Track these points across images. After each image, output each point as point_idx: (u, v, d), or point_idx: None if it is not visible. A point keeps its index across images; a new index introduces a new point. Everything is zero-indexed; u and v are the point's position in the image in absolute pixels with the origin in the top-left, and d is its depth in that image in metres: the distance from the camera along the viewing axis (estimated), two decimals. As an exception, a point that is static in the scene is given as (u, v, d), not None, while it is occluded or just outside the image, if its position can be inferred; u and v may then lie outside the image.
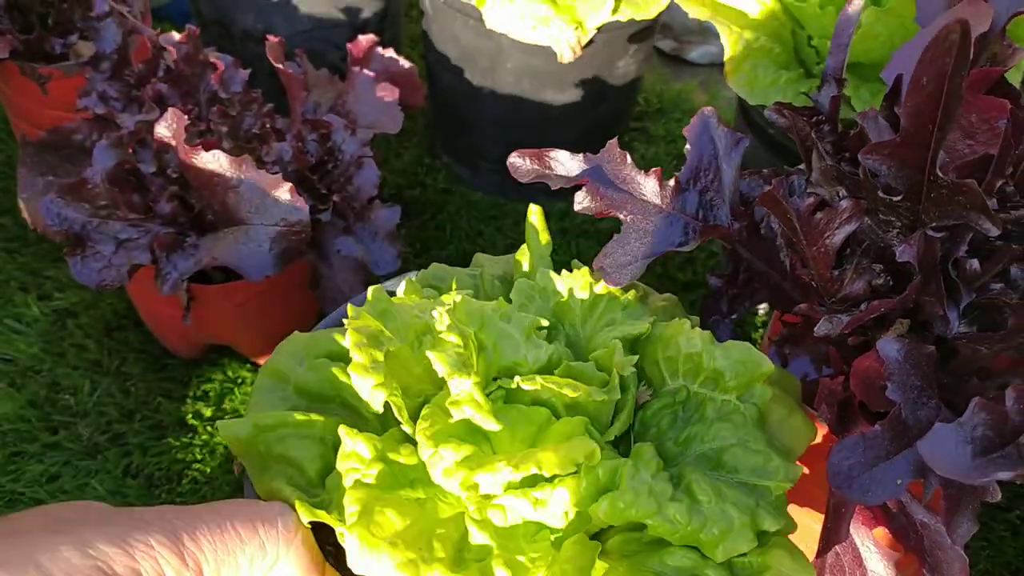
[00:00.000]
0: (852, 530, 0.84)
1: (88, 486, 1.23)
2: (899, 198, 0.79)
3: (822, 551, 0.81)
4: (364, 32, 1.67)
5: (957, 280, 0.83)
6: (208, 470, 1.27)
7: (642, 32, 1.51)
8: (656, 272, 1.53)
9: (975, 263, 0.83)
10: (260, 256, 1.05)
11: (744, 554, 0.69)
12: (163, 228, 1.15)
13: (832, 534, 0.79)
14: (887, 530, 0.84)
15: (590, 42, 1.43)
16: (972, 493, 0.78)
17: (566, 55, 1.39)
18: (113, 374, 1.36)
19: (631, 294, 0.86)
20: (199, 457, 1.28)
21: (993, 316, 0.86)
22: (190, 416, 1.32)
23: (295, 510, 0.66)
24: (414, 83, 1.47)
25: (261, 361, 1.38)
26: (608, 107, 1.59)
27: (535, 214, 0.94)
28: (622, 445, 0.78)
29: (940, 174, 0.75)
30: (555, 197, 1.70)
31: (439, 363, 0.68)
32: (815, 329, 0.87)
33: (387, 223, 1.20)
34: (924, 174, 0.77)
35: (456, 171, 1.72)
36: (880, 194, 0.80)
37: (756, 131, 1.43)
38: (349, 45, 1.38)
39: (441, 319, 0.74)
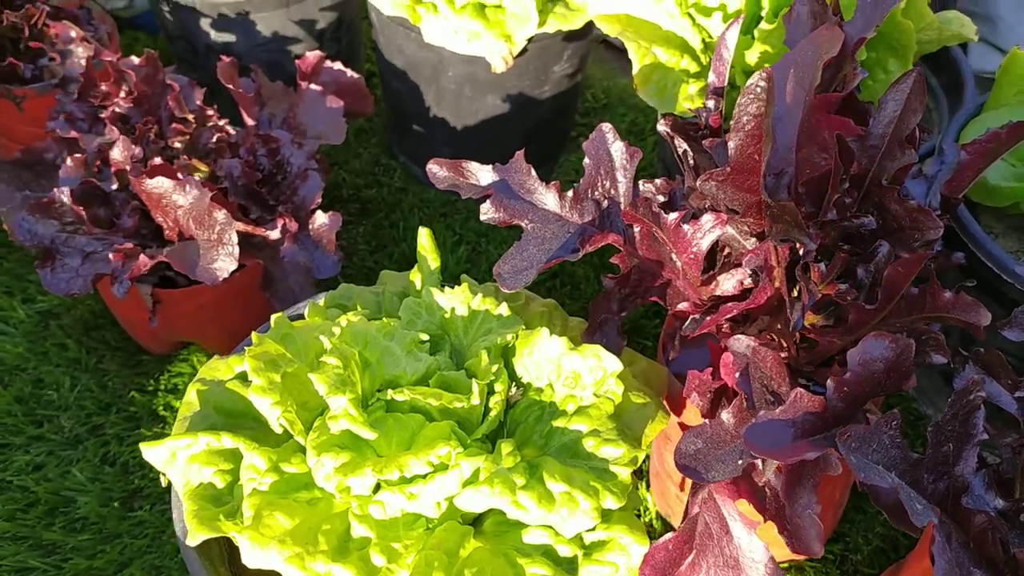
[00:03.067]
0: (719, 501, 0.96)
1: (69, 474, 1.36)
2: (741, 216, 0.90)
3: (684, 518, 0.93)
4: (321, 41, 1.79)
5: (805, 281, 0.95)
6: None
7: (577, 35, 1.61)
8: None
9: (822, 266, 0.94)
10: (207, 265, 1.17)
11: (591, 528, 0.81)
12: (126, 240, 1.28)
13: (690, 506, 0.91)
14: (749, 502, 0.96)
15: (524, 51, 1.53)
16: (811, 468, 0.90)
17: (499, 66, 1.49)
18: (92, 370, 1.49)
19: (505, 307, 0.98)
20: (170, 445, 1.41)
21: (843, 310, 0.97)
22: (161, 408, 1.45)
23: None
24: (361, 92, 1.58)
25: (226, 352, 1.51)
26: (549, 107, 1.70)
27: (425, 236, 1.06)
28: (498, 439, 0.90)
29: (766, 198, 0.86)
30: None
31: (319, 383, 0.81)
32: (682, 329, 0.99)
33: (329, 231, 1.32)
34: (757, 196, 0.88)
35: (411, 170, 1.83)
36: (727, 211, 0.92)
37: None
38: (298, 61, 1.49)
39: (327, 342, 0.86)
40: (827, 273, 0.94)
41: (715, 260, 1.04)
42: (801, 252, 0.92)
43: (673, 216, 0.96)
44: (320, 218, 1.32)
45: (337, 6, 1.75)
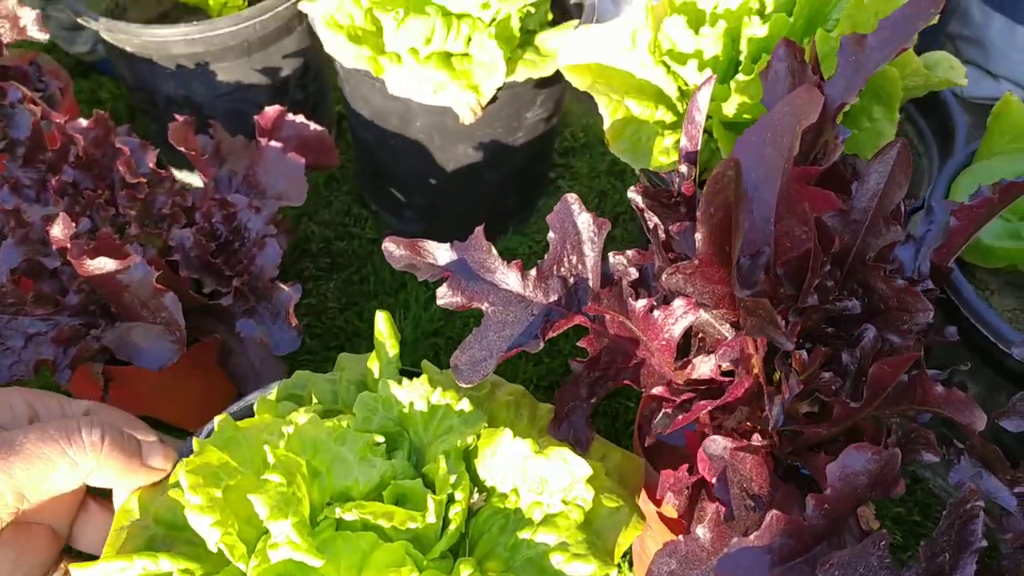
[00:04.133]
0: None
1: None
2: (713, 307, 0.83)
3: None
4: (287, 89, 1.72)
5: (785, 372, 0.87)
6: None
7: (550, 80, 1.54)
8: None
9: (804, 354, 0.87)
10: (152, 351, 1.10)
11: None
12: (72, 320, 1.21)
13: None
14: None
15: (494, 99, 1.46)
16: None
17: (467, 117, 1.42)
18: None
19: (466, 402, 0.91)
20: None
21: (829, 401, 0.90)
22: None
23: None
24: (326, 146, 1.51)
25: (192, 427, 1.44)
26: (524, 154, 1.63)
27: (383, 321, 0.99)
28: (459, 553, 0.83)
29: (740, 293, 0.79)
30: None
31: (260, 506, 0.74)
32: (653, 425, 0.92)
33: (287, 303, 1.25)
34: (729, 288, 0.81)
35: (384, 219, 1.76)
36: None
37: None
38: (256, 117, 1.42)
39: (271, 455, 0.79)
40: (809, 363, 0.87)
41: (691, 343, 0.97)
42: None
43: (642, 304, 0.89)
44: (278, 290, 1.25)
45: (302, 52, 1.69)
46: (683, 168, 1.01)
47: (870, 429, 0.96)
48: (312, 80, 1.76)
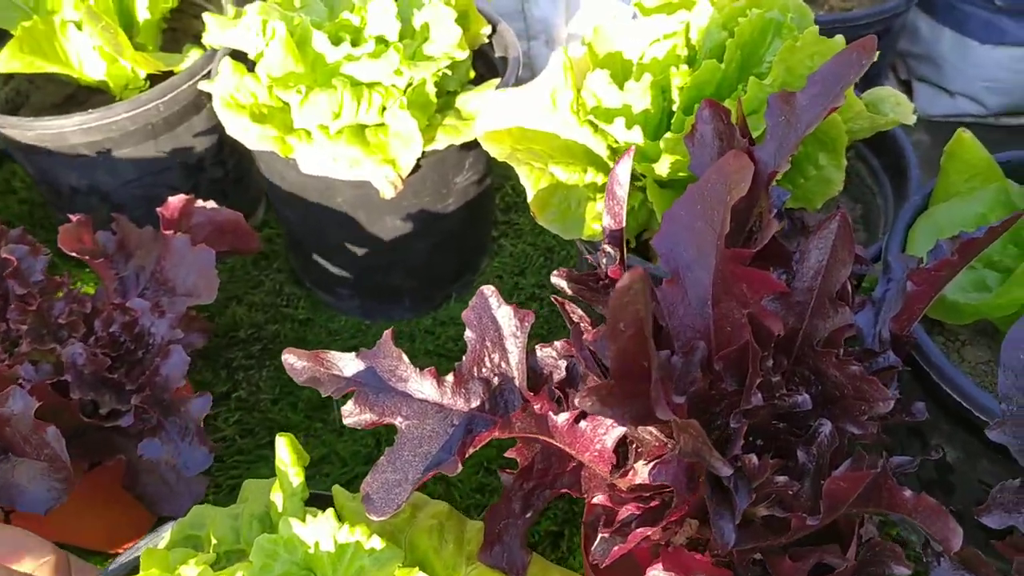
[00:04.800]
0: None
1: None
2: (639, 425, 0.73)
3: None
4: (202, 167, 1.62)
5: (734, 483, 0.77)
6: None
7: (477, 142, 1.44)
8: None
9: (754, 459, 0.77)
10: (35, 493, 0.99)
11: None
12: (-43, 454, 1.09)
13: None
14: None
15: (417, 167, 1.36)
16: None
17: (387, 192, 1.32)
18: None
19: (377, 540, 0.79)
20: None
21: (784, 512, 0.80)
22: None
23: None
24: (242, 230, 1.40)
25: (114, 548, 1.32)
26: (458, 219, 1.53)
27: (285, 447, 0.88)
28: None
29: (664, 414, 0.68)
30: (420, 311, 1.64)
31: None
32: (591, 551, 0.81)
33: (197, 416, 1.13)
34: (649, 405, 0.70)
35: (318, 297, 1.66)
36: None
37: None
38: (160, 209, 1.31)
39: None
40: (759, 471, 0.76)
41: (627, 449, 0.86)
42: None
43: (564, 418, 0.79)
44: (185, 402, 1.14)
45: (215, 128, 1.58)
46: (608, 250, 0.92)
47: (841, 521, 0.86)
48: (231, 155, 1.65)
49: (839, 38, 1.14)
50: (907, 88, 1.99)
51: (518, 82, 1.97)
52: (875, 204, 1.30)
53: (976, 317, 1.01)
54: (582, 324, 0.89)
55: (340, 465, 1.41)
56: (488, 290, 0.92)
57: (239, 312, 1.62)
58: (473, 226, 1.60)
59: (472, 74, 1.49)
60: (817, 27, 1.13)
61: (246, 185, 1.74)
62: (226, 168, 1.65)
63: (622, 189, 0.92)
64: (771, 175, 0.84)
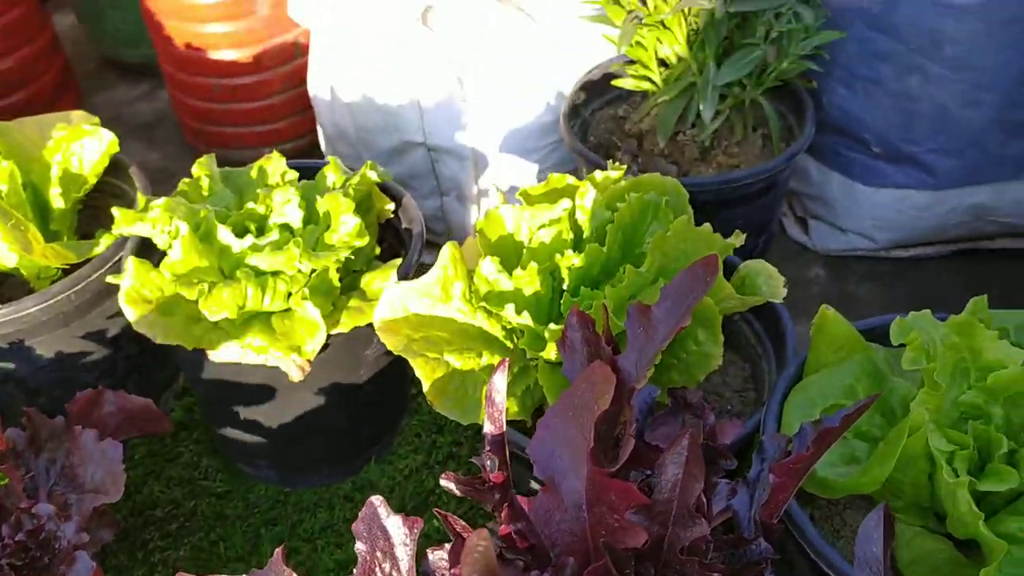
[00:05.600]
0: None
1: None
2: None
3: None
4: (118, 346, 1.64)
5: None
6: None
7: (388, 314, 1.49)
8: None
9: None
10: None
11: None
12: None
13: None
14: None
15: (326, 345, 1.40)
16: None
17: (295, 375, 1.36)
18: None
19: None
20: None
21: None
22: None
23: None
24: (152, 414, 1.43)
25: None
26: (372, 388, 1.57)
27: None
28: None
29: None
30: (339, 477, 1.66)
31: None
32: None
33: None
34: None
35: (236, 468, 1.67)
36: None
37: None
38: (67, 405, 1.33)
39: None
40: None
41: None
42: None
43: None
44: (91, 611, 1.14)
45: (131, 308, 1.61)
46: (488, 459, 0.96)
47: None
48: (148, 331, 1.68)
49: (706, 227, 1.23)
50: (804, 224, 2.10)
51: (431, 235, 2.06)
52: (761, 369, 1.37)
53: (846, 493, 1.07)
54: (464, 534, 0.92)
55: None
56: (376, 500, 0.95)
57: (156, 488, 1.63)
58: (389, 392, 1.64)
59: (377, 250, 1.55)
60: (686, 216, 1.22)
61: (163, 358, 1.76)
62: (142, 344, 1.67)
63: (500, 396, 0.97)
64: (631, 390, 0.90)
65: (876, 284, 1.96)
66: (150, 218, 1.37)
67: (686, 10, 1.58)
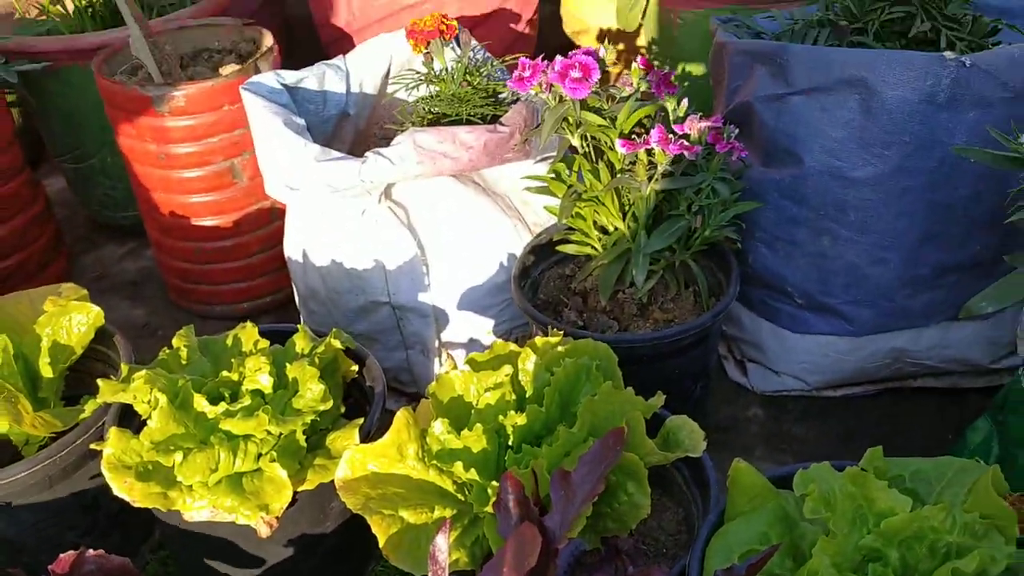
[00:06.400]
0: None
1: None
2: None
3: None
4: (99, 504, 1.74)
5: None
6: None
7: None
8: None
9: None
10: None
11: None
12: None
13: None
14: None
15: (293, 502, 1.52)
16: None
17: (262, 531, 1.47)
18: None
19: None
20: None
21: None
22: None
23: None
24: (130, 573, 1.52)
25: None
26: (341, 534, 1.67)
27: None
28: None
29: None
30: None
31: None
32: None
33: None
34: None
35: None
36: None
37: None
38: (50, 567, 1.43)
39: None
40: None
41: None
42: None
43: None
44: None
45: (112, 466, 1.73)
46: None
47: None
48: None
49: (629, 390, 1.38)
50: (743, 367, 2.26)
51: (398, 384, 2.20)
52: (692, 510, 1.50)
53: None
54: None
55: None
56: None
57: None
58: (353, 541, 1.75)
59: (343, 408, 1.69)
60: (611, 381, 1.38)
61: (141, 513, 1.86)
62: (122, 502, 1.78)
63: (442, 555, 1.09)
64: (555, 550, 1.03)
65: (811, 422, 2.11)
66: (131, 389, 1.50)
67: (618, 187, 1.78)
